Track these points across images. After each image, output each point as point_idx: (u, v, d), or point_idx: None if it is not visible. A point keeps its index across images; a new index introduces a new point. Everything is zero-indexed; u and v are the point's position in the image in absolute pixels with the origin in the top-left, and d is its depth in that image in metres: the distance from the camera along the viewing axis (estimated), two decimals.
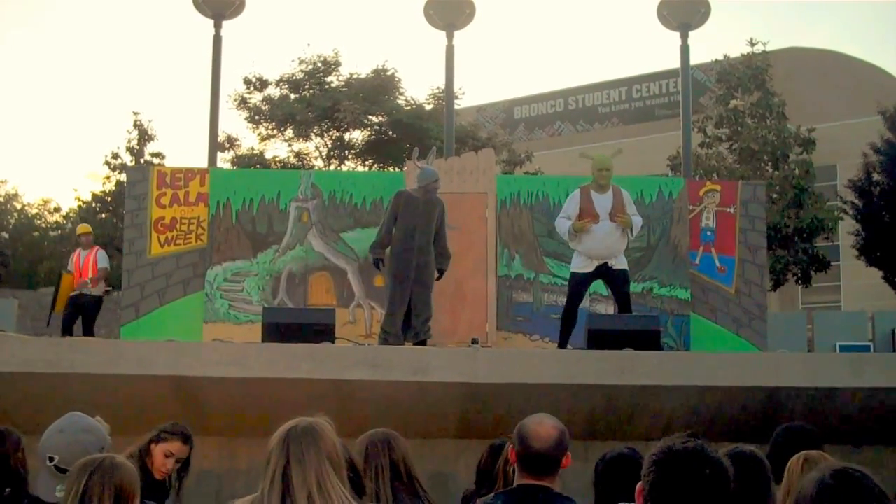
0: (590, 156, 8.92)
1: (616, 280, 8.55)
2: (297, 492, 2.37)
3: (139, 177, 11.53)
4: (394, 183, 11.20)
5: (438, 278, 9.12)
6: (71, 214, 33.51)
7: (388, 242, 8.86)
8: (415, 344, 8.60)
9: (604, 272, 8.52)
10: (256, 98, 27.14)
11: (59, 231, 35.66)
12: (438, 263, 9.04)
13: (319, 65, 26.84)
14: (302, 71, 26.83)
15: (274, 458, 2.44)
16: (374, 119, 26.46)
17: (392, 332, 8.61)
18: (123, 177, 23.10)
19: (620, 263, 8.51)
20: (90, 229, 11.95)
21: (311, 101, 25.95)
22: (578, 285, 8.64)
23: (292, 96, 26.73)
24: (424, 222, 8.80)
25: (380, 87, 26.25)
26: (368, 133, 26.91)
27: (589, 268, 8.50)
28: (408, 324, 8.83)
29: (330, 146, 27.30)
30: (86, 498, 2.69)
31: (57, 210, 38.11)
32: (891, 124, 22.62)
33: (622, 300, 8.54)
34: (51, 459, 3.04)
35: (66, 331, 10.78)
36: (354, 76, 26.80)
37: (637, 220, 8.58)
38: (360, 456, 3.48)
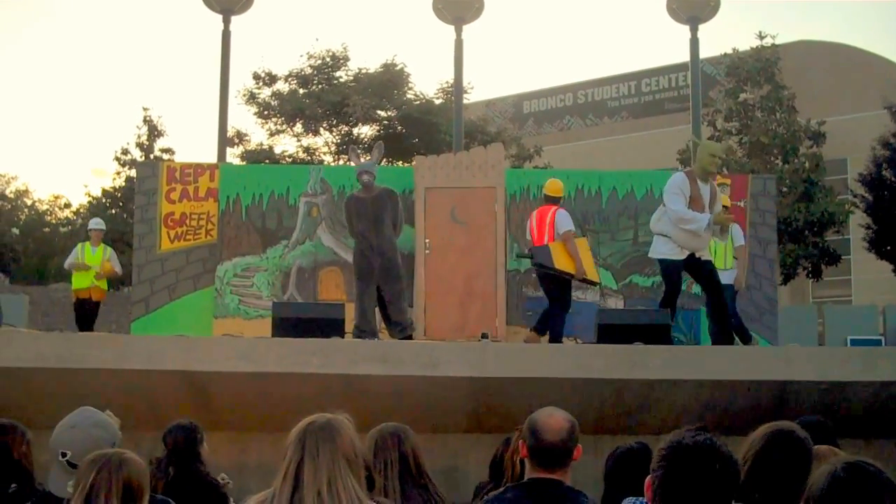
0: (698, 141, 8.83)
1: (703, 270, 8.04)
2: (306, 489, 2.35)
3: (149, 172, 11.58)
4: (402, 178, 11.20)
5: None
6: (81, 210, 33.62)
7: None
8: (401, 339, 8.62)
9: (692, 263, 8.01)
10: (265, 93, 27.11)
11: (70, 227, 35.77)
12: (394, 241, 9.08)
13: (328, 59, 26.79)
14: (311, 66, 26.79)
15: (289, 454, 2.41)
16: (383, 114, 26.42)
17: (367, 329, 8.70)
18: (133, 172, 23.16)
19: (707, 254, 8.08)
20: None
21: (320, 96, 25.93)
22: (676, 272, 8.04)
23: (301, 91, 26.69)
24: (373, 222, 8.89)
25: (389, 81, 26.20)
26: (377, 128, 26.86)
27: (681, 255, 7.94)
28: (388, 320, 8.92)
29: (339, 141, 27.27)
30: (93, 493, 2.69)
31: (67, 206, 38.29)
32: None
33: (712, 289, 8.00)
34: (63, 454, 3.04)
35: None
36: (363, 71, 26.75)
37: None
38: (369, 450, 3.48)
